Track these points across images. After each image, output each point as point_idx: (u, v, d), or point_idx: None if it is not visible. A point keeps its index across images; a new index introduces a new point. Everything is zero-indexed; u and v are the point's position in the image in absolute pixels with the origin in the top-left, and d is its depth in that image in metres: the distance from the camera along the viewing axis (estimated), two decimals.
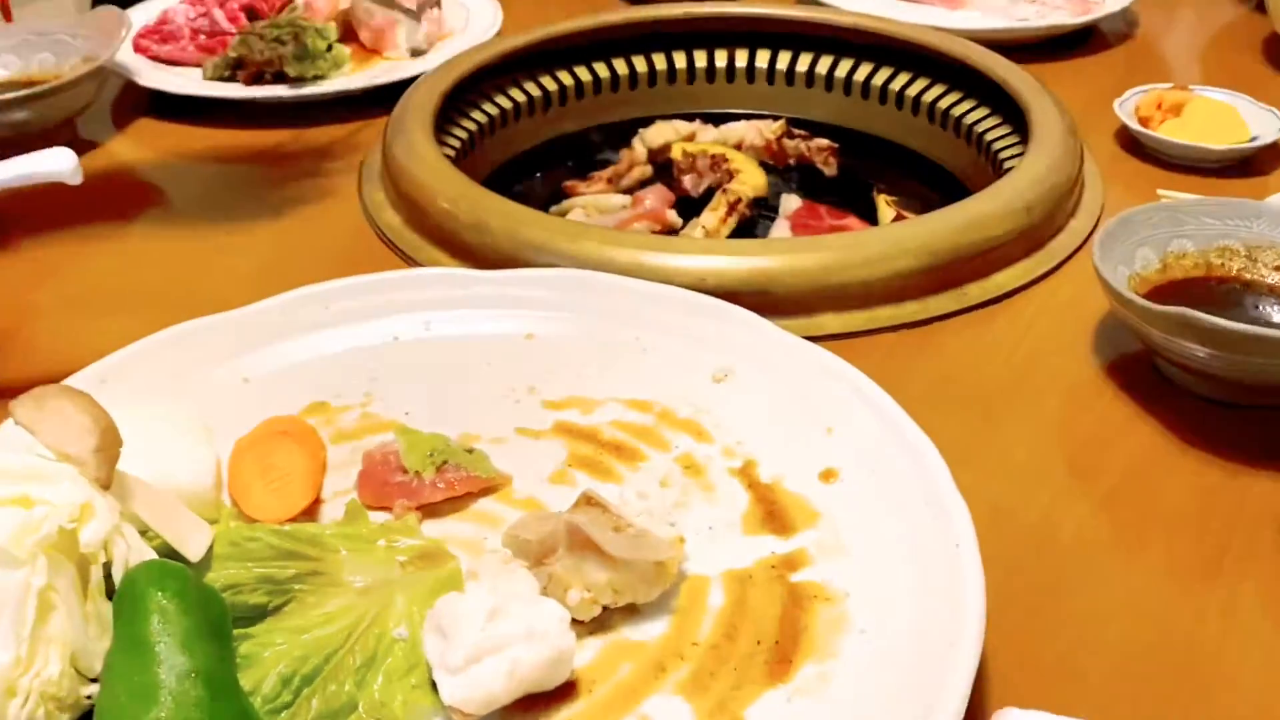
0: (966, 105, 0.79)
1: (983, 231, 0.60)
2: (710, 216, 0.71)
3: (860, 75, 0.83)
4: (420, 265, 0.63)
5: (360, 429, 0.49)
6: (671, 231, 0.72)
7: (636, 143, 0.82)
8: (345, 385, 0.51)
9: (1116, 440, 0.51)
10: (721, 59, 0.87)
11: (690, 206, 0.75)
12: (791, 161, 0.80)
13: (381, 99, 0.79)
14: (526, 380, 0.52)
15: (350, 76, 0.83)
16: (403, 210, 0.67)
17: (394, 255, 0.65)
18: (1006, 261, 0.61)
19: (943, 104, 0.80)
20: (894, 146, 0.82)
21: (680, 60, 0.87)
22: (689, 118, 0.85)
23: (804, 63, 0.85)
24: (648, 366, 0.52)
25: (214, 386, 0.50)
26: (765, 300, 0.57)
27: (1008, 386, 0.54)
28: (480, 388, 0.51)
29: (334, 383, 0.51)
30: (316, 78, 0.81)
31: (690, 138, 0.82)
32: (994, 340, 0.57)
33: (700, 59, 0.87)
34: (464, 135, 0.77)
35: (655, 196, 0.73)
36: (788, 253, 0.58)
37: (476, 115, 0.79)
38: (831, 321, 0.58)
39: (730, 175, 0.77)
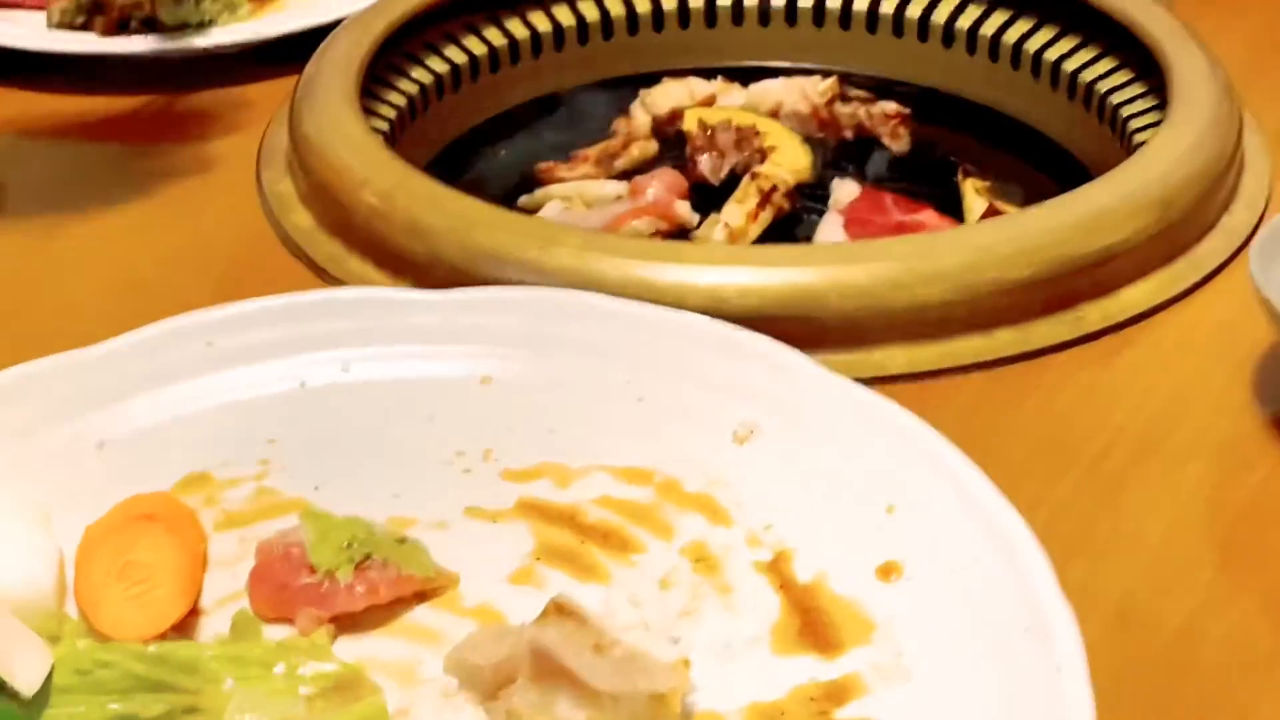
0: (1086, 56, 0.80)
1: (1104, 233, 0.61)
2: (735, 211, 0.72)
3: (940, 15, 0.84)
4: (339, 283, 0.64)
5: (254, 511, 0.50)
6: (683, 232, 0.73)
7: (637, 109, 0.83)
8: (235, 450, 0.52)
9: None
10: None
11: (709, 197, 0.76)
12: (848, 134, 0.81)
13: (290, 53, 0.80)
14: (481, 441, 0.52)
15: (247, 23, 0.85)
16: (316, 207, 0.68)
17: (304, 269, 0.66)
18: (1137, 273, 0.62)
19: (1052, 54, 0.80)
20: (987, 113, 0.83)
21: None
22: (708, 74, 0.86)
23: None
24: (646, 422, 0.53)
25: (55, 453, 0.51)
26: (807, 329, 0.58)
27: (1138, 445, 0.55)
28: (417, 452, 0.52)
29: (219, 447, 0.52)
30: (201, 25, 0.83)
31: (709, 102, 0.83)
32: (1120, 382, 0.58)
33: None
34: (401, 102, 0.79)
35: (661, 184, 0.74)
36: (838, 262, 0.59)
37: (419, 74, 0.80)
38: (898, 357, 0.58)
39: (763, 155, 0.78)
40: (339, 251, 0.66)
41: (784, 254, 0.60)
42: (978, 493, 0.46)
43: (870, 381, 0.57)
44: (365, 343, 0.55)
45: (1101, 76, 0.78)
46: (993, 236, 0.60)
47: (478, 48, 0.83)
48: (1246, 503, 0.52)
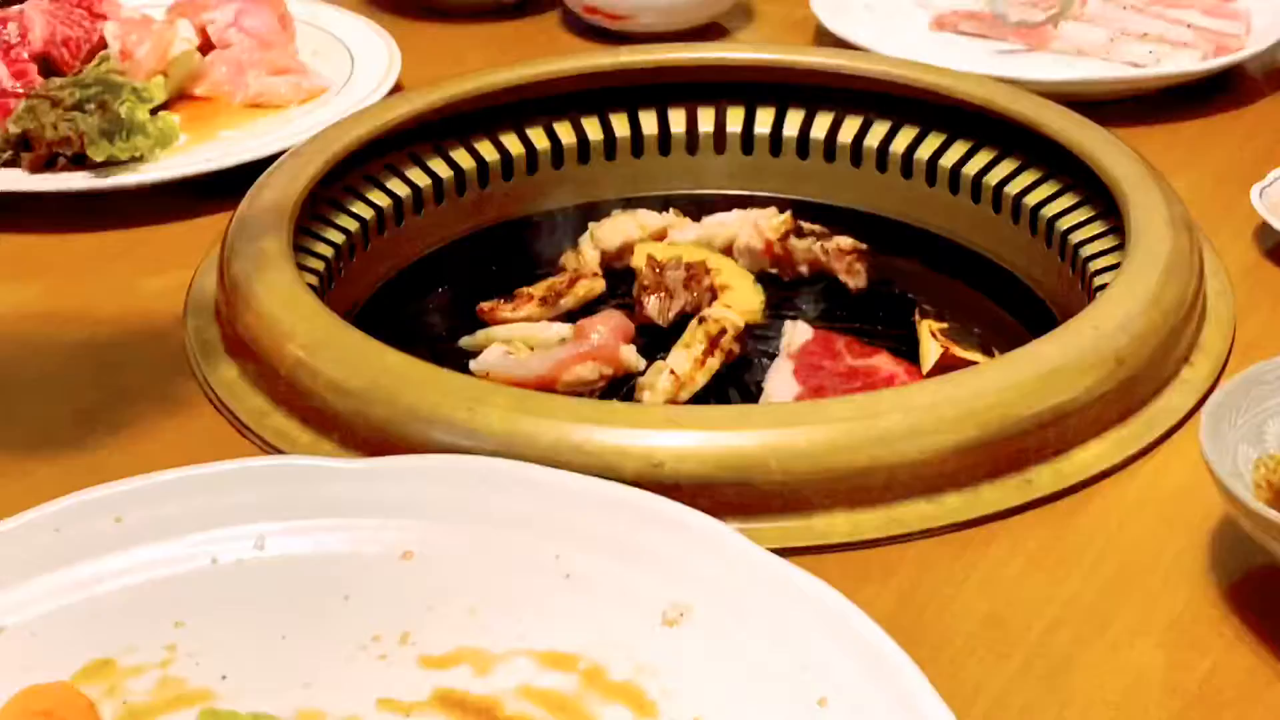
0: (1046, 190, 0.81)
1: (1055, 391, 0.62)
2: (682, 357, 0.73)
3: (899, 144, 0.86)
4: (262, 441, 0.64)
5: (158, 703, 0.50)
6: (629, 378, 0.74)
7: (585, 243, 0.85)
8: (140, 634, 0.52)
9: (1245, 704, 0.52)
10: (707, 120, 0.90)
11: (658, 337, 0.77)
12: (803, 270, 0.82)
13: (229, 186, 0.82)
14: (399, 623, 0.53)
15: (179, 157, 0.86)
16: (241, 358, 0.69)
17: (226, 426, 0.66)
18: (1090, 433, 0.63)
19: (1013, 188, 0.82)
20: (947, 245, 0.85)
21: (649, 122, 0.90)
22: (660, 205, 0.88)
23: (821, 126, 0.88)
24: (572, 601, 0.53)
25: None
26: (746, 494, 0.59)
27: (1086, 622, 0.55)
28: (332, 636, 0.52)
29: (124, 631, 0.52)
30: (132, 160, 0.84)
31: (660, 236, 0.85)
32: (1069, 550, 0.58)
33: (677, 120, 0.90)
34: (339, 239, 0.80)
35: (608, 326, 0.75)
36: (777, 425, 0.60)
37: (358, 207, 0.82)
38: (839, 524, 0.59)
39: (713, 294, 0.79)
40: (263, 406, 0.66)
41: (721, 416, 0.61)
42: (913, 691, 0.47)
43: (810, 551, 0.58)
44: (281, 516, 0.56)
45: (1063, 213, 0.80)
46: (937, 396, 0.61)
47: (421, 179, 0.85)
48: (1195, 690, 0.52)
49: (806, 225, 0.83)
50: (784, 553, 0.56)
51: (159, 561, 0.55)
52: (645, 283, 0.78)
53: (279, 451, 0.64)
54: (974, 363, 0.72)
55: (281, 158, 0.81)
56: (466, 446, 0.59)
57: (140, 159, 0.84)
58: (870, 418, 0.60)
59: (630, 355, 0.74)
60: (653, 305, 0.77)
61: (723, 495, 0.58)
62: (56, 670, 0.51)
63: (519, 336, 0.76)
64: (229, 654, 0.52)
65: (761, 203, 0.87)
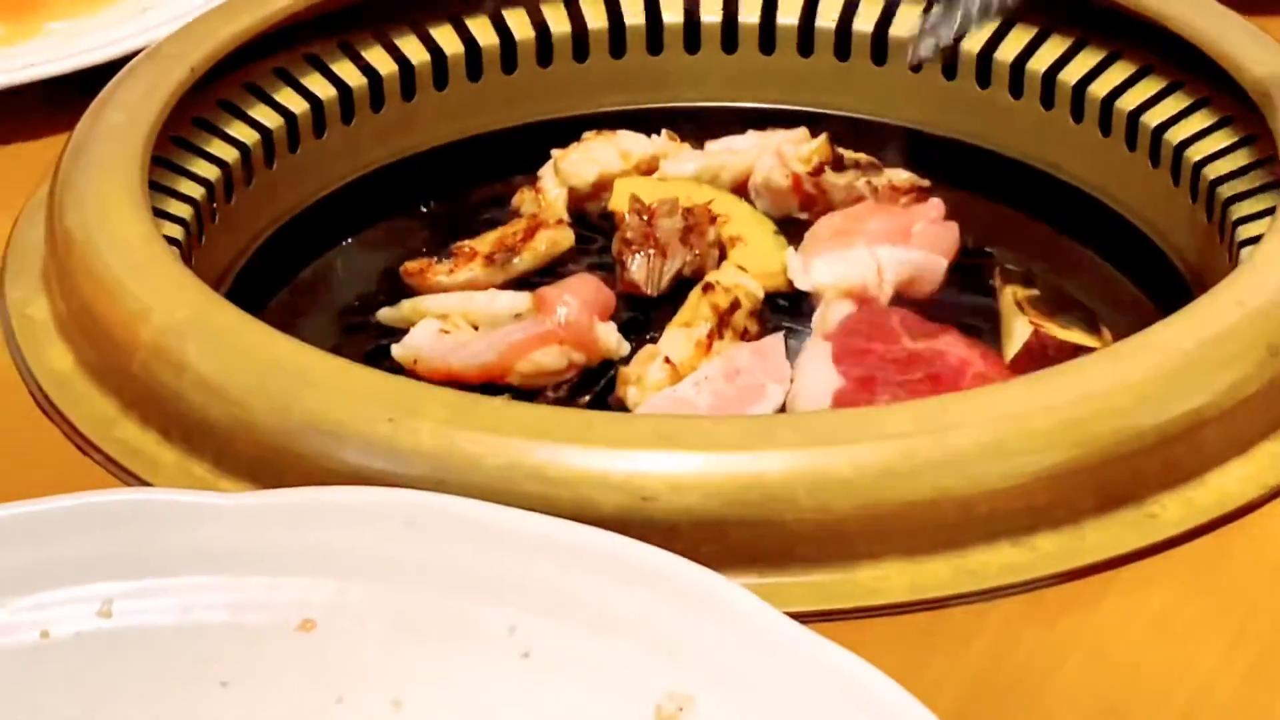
0: (1173, 107, 0.80)
1: (1187, 393, 0.61)
2: (680, 339, 0.72)
3: (973, 43, 0.85)
4: (112, 465, 0.63)
5: None
6: (605, 366, 0.73)
7: (546, 178, 0.84)
8: None
9: None
10: (712, 5, 0.88)
11: (645, 309, 0.77)
12: None
13: (62, 101, 0.80)
14: None
15: None
16: (78, 343, 0.68)
17: (57, 438, 0.65)
18: (1232, 450, 0.62)
19: (1127, 102, 0.81)
20: (1038, 179, 0.84)
21: (633, 7, 0.88)
22: (648, 123, 0.87)
23: (868, 15, 0.87)
24: (532, 691, 0.52)
25: None
26: (769, 537, 0.58)
27: (1236, 713, 0.54)
28: None
29: None
30: None
31: (649, 169, 0.84)
32: (1207, 614, 0.58)
33: (671, 5, 0.89)
34: (212, 173, 0.79)
35: (578, 297, 0.74)
36: (809, 443, 0.59)
37: (239, 129, 0.81)
38: (895, 579, 0.58)
39: (721, 250, 0.78)
40: (108, 412, 0.65)
41: (734, 431, 0.60)
42: None
43: (854, 615, 0.58)
44: (134, 572, 0.54)
45: (1195, 137, 0.79)
46: (1027, 402, 0.60)
47: (323, 89, 0.84)
48: None
49: (848, 154, 0.83)
50: (819, 618, 0.56)
51: None
52: (628, 235, 0.78)
53: (133, 477, 0.63)
54: (1075, 347, 0.71)
55: (132, 62, 0.79)
56: (387, 473, 0.59)
57: None
58: (935, 431, 0.59)
59: (609, 336, 0.74)
60: (638, 267, 0.76)
61: (736, 540, 0.57)
62: None
63: (458, 310, 0.75)
64: None
65: (786, 120, 0.86)
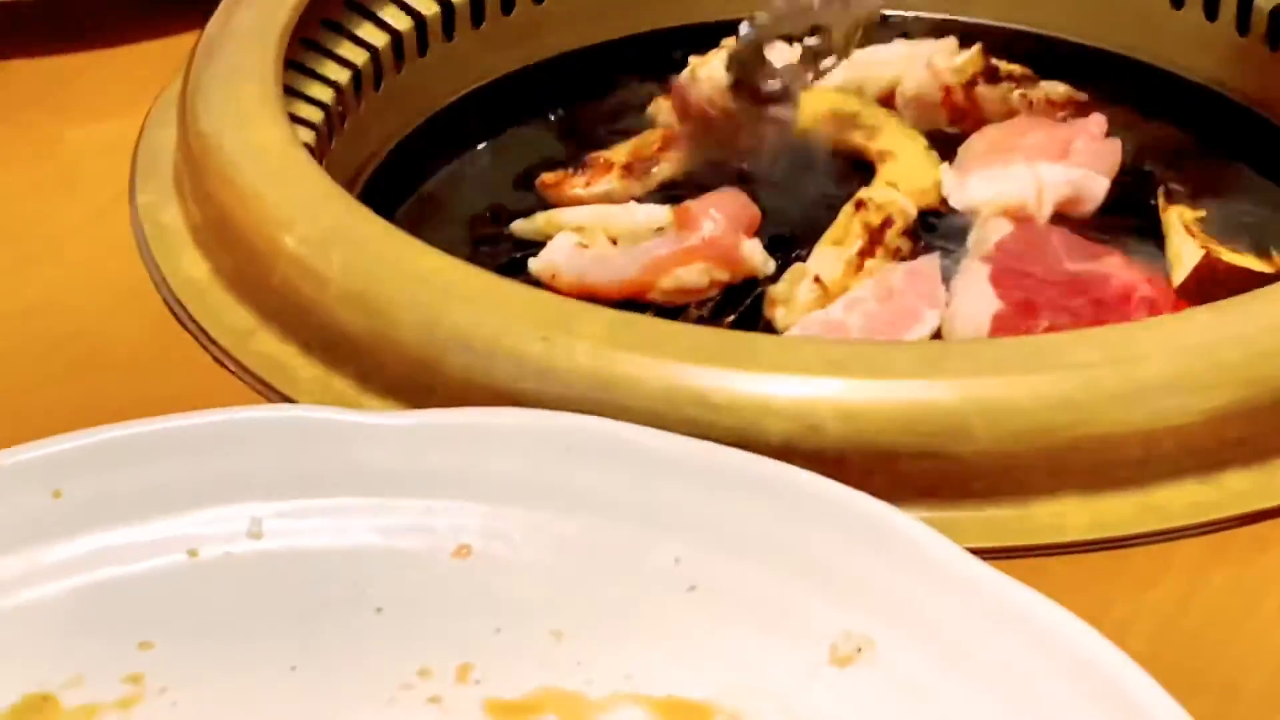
0: None
1: None
2: (831, 257, 0.71)
3: None
4: (252, 378, 0.62)
5: None
6: (751, 284, 0.72)
7: (684, 86, 0.81)
8: (93, 659, 0.50)
9: None
10: None
11: (792, 227, 0.75)
12: None
13: None
14: (454, 651, 0.50)
15: None
16: (214, 251, 0.67)
17: (195, 350, 0.64)
18: None
19: None
20: (1203, 99, 0.82)
21: None
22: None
23: None
24: (700, 625, 0.50)
25: None
26: (942, 470, 0.56)
27: None
28: (361, 667, 0.50)
29: (70, 651, 0.50)
30: None
31: None
32: None
33: None
34: (343, 79, 0.78)
35: (722, 212, 0.72)
36: (985, 371, 0.57)
37: (367, 33, 0.79)
38: (1076, 515, 0.56)
39: (872, 165, 0.76)
40: (246, 323, 0.64)
41: (906, 357, 0.58)
42: None
43: (1032, 552, 0.56)
44: (284, 492, 0.53)
45: None
46: (1217, 331, 0.57)
47: None
48: None
49: (1002, 65, 0.80)
50: (995, 555, 0.54)
51: (115, 553, 0.52)
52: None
53: (272, 390, 0.62)
54: (1248, 272, 0.69)
55: None
56: (540, 393, 0.57)
57: None
58: (1119, 362, 0.57)
59: (754, 253, 0.72)
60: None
61: (907, 471, 0.55)
62: None
63: (595, 223, 0.74)
64: (215, 691, 0.50)
65: (936, 29, 0.84)
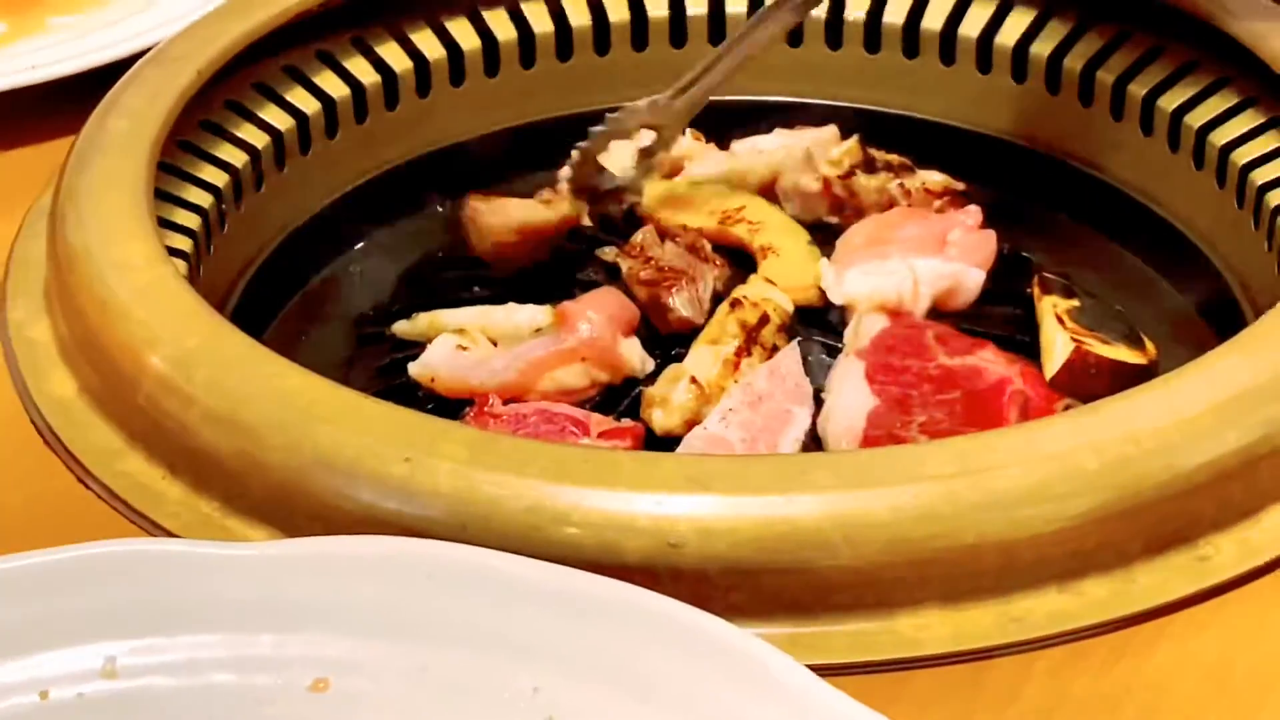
0: (1217, 105, 0.78)
1: (1239, 428, 0.58)
2: (707, 357, 0.70)
3: (1008, 35, 0.83)
4: (116, 500, 0.61)
5: None
6: (629, 385, 0.71)
7: (566, 178, 0.81)
8: None
9: None
10: None
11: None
12: None
13: (67, 99, 0.79)
14: None
15: None
16: (81, 370, 0.66)
17: (59, 470, 0.63)
18: None
19: (1170, 100, 0.79)
20: (1079, 185, 0.82)
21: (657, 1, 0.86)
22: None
23: (898, 6, 0.85)
24: None
25: None
26: (803, 584, 0.55)
27: None
28: None
29: None
30: None
31: (672, 170, 0.82)
32: (1266, 659, 0.55)
33: None
34: (221, 181, 0.77)
35: (602, 309, 0.72)
36: (843, 484, 0.56)
37: (246, 134, 0.79)
38: (936, 628, 0.56)
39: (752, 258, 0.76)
40: (113, 443, 0.63)
41: (765, 472, 0.57)
42: None
43: (894, 667, 0.55)
44: (138, 630, 0.52)
45: (1240, 140, 0.77)
46: (1073, 438, 0.57)
47: (336, 87, 0.82)
48: None
49: (879, 154, 0.81)
50: (859, 669, 0.55)
51: None
52: (643, 276, 0.74)
53: (137, 513, 0.60)
54: (1118, 364, 0.69)
55: (136, 65, 0.77)
56: (404, 514, 0.56)
57: None
58: (976, 472, 0.56)
59: (633, 354, 0.72)
60: (685, 302, 0.73)
61: (768, 587, 0.55)
62: None
63: (476, 324, 0.73)
64: None
65: (814, 115, 0.85)
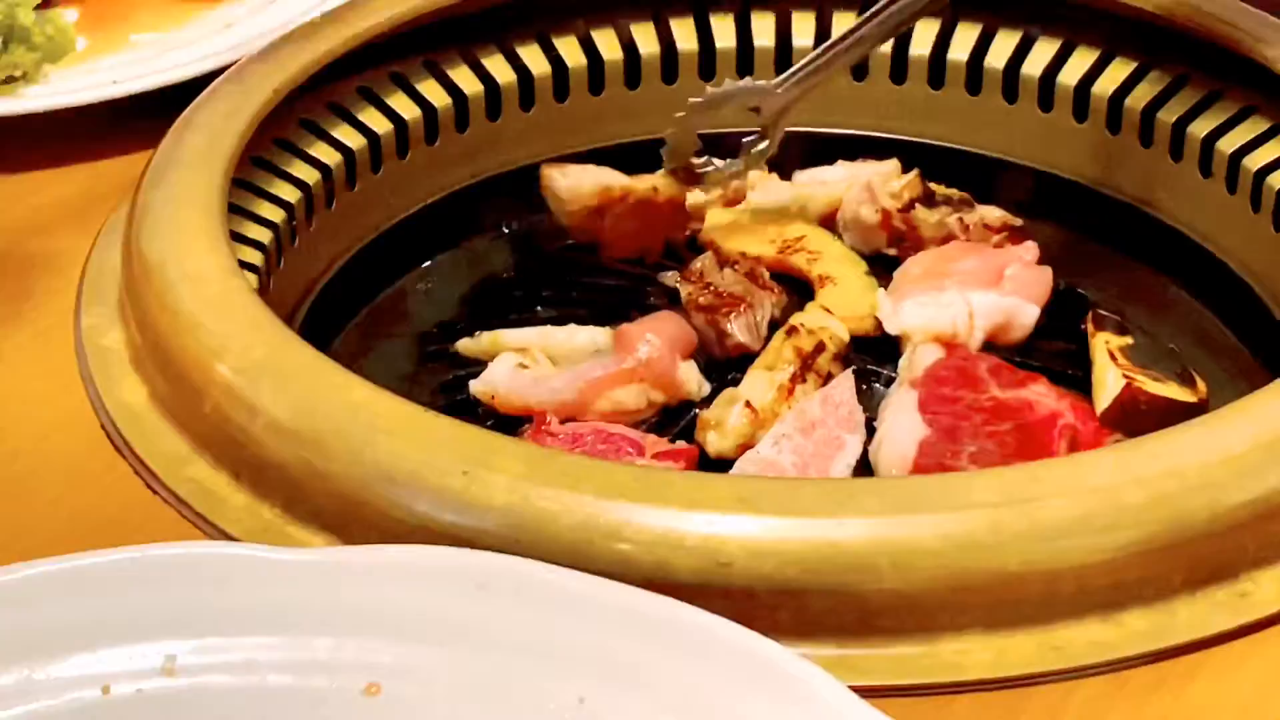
0: (1278, 150, 0.78)
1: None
2: (761, 382, 0.71)
3: (1070, 75, 0.84)
4: (181, 504, 0.62)
5: None
6: (685, 407, 0.72)
7: (665, 152, 0.82)
8: None
9: None
10: (804, 28, 0.87)
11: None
12: None
13: (147, 112, 0.80)
14: None
15: (81, 68, 0.85)
16: (152, 378, 0.67)
17: (129, 475, 0.64)
18: None
19: (1229, 143, 0.79)
20: (1136, 224, 0.83)
21: (724, 30, 0.88)
22: (735, 148, 0.85)
23: (963, 42, 0.86)
24: None
25: None
26: (848, 607, 0.56)
27: None
28: None
29: None
30: (11, 80, 0.82)
31: (734, 199, 0.83)
32: None
33: (763, 28, 0.88)
34: (293, 198, 0.78)
35: (662, 335, 0.73)
36: (889, 510, 0.57)
37: (318, 151, 0.80)
38: (979, 654, 0.57)
39: (812, 287, 0.77)
40: (180, 449, 0.64)
41: (815, 495, 0.58)
42: None
43: (936, 691, 0.56)
44: (198, 630, 0.53)
45: None
46: (1118, 473, 0.58)
47: (408, 109, 0.83)
48: None
49: (939, 189, 0.81)
50: (900, 693, 0.55)
51: (33, 689, 0.52)
52: (701, 302, 0.75)
53: (201, 518, 0.62)
54: (1169, 402, 0.69)
55: (215, 83, 0.78)
56: (460, 526, 0.57)
57: (21, 78, 0.83)
58: (1023, 502, 0.57)
59: (690, 377, 0.73)
60: (742, 328, 0.74)
61: (814, 609, 0.56)
62: None
63: (536, 344, 0.74)
64: None
65: (876, 149, 0.85)
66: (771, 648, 0.52)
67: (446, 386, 0.75)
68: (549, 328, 0.75)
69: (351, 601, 0.54)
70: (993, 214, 0.80)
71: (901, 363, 0.73)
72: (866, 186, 0.80)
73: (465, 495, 0.58)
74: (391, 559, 0.55)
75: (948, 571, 0.56)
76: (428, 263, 0.84)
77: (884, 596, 0.56)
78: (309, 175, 0.79)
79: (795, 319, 0.74)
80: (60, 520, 0.62)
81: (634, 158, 0.84)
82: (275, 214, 0.77)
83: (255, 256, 0.74)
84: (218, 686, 0.53)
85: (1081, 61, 0.84)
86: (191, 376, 0.64)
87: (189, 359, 0.65)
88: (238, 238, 0.73)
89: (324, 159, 0.80)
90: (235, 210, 0.74)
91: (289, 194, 0.78)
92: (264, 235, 0.76)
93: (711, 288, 0.75)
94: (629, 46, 0.87)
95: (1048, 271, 0.76)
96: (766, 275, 0.77)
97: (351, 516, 0.59)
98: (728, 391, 0.72)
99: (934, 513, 0.57)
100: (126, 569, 0.54)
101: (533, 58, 0.86)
